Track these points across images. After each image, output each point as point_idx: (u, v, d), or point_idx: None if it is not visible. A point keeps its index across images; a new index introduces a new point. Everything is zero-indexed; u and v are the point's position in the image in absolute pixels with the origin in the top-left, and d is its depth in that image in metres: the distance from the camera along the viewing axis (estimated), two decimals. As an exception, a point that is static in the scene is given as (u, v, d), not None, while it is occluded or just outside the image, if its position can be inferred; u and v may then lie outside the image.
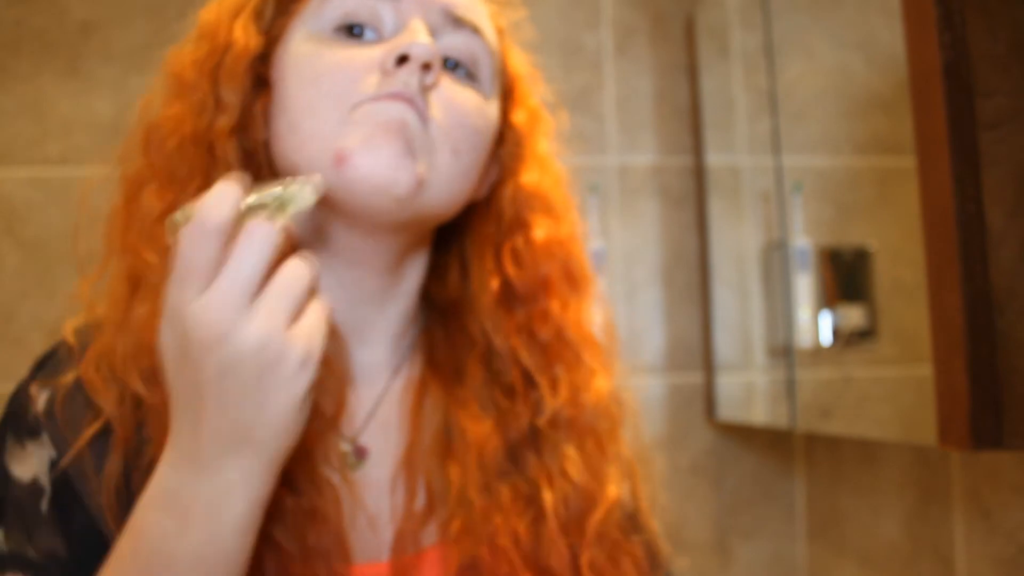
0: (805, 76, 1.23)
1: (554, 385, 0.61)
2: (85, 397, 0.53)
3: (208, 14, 0.60)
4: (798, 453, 1.52)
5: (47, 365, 0.58)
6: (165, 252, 0.51)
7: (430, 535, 0.58)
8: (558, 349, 0.62)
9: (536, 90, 0.68)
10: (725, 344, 1.49)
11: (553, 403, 0.60)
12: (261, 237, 0.43)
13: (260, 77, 0.58)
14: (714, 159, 1.52)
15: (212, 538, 0.44)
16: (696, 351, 1.56)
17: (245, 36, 0.56)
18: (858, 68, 1.09)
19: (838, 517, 1.38)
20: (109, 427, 0.52)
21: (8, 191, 1.57)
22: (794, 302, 1.21)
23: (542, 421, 0.60)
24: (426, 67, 0.53)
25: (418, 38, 0.53)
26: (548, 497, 0.58)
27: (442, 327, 0.65)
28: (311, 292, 0.45)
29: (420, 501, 0.58)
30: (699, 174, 1.57)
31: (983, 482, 1.01)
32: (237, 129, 0.56)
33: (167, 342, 0.44)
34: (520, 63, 0.67)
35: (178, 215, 0.45)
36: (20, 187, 1.57)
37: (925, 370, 0.79)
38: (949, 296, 0.74)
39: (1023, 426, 0.71)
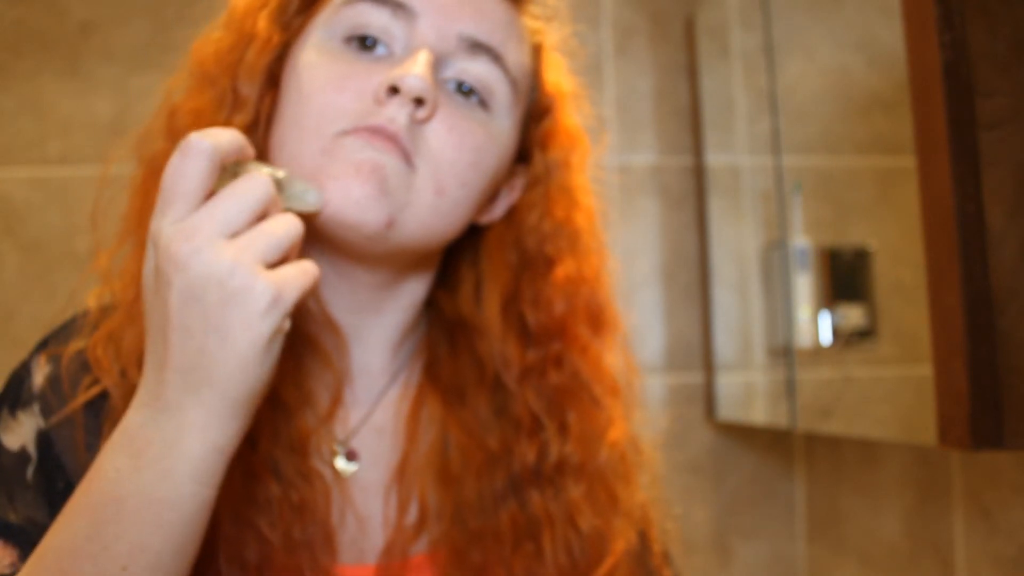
0: (805, 76, 1.23)
1: (563, 430, 0.59)
2: (85, 364, 0.54)
3: (239, 2, 0.59)
4: (798, 453, 1.52)
5: (59, 335, 0.58)
6: None
7: (420, 544, 0.57)
8: (572, 393, 0.60)
9: (577, 112, 0.65)
10: (725, 344, 1.49)
11: (560, 449, 0.58)
12: (255, 184, 0.43)
13: (275, 75, 0.57)
14: (714, 159, 1.52)
15: (164, 478, 0.42)
16: (696, 351, 1.56)
17: (268, 30, 0.55)
18: (858, 68, 1.09)
19: (838, 517, 1.38)
20: (103, 400, 0.52)
21: (8, 191, 1.57)
22: (794, 302, 1.21)
23: (547, 465, 0.58)
24: (419, 101, 0.52)
25: (414, 70, 0.51)
26: (548, 541, 0.57)
27: (448, 341, 0.63)
28: (296, 249, 0.45)
29: (412, 515, 0.57)
30: (699, 174, 1.57)
31: (983, 482, 1.01)
32: (251, 127, 0.55)
33: (147, 273, 0.44)
34: (562, 81, 0.64)
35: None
36: (20, 187, 1.57)
37: (925, 370, 0.79)
38: (949, 296, 0.74)
39: (1023, 426, 0.71)
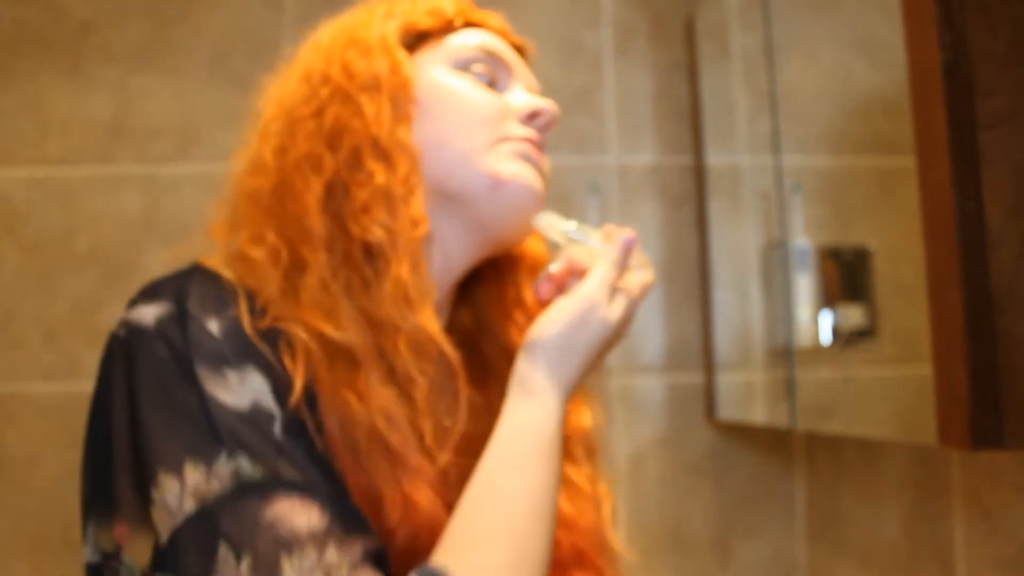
0: (805, 76, 1.23)
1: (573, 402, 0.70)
2: (275, 335, 0.56)
3: (362, 32, 0.67)
4: (798, 453, 1.52)
5: (192, 291, 0.56)
6: (320, 241, 0.59)
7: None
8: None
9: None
10: (725, 344, 1.49)
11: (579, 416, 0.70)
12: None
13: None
14: (714, 159, 1.52)
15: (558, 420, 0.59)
16: (696, 351, 1.56)
17: (405, 59, 0.65)
18: (858, 68, 1.09)
19: (838, 517, 1.38)
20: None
21: (8, 191, 1.57)
22: (794, 302, 1.21)
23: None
24: (548, 124, 0.68)
25: (546, 103, 0.67)
26: (564, 503, 0.67)
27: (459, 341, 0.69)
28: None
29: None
30: (699, 174, 1.57)
31: (983, 482, 1.01)
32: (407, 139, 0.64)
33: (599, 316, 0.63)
34: None
35: (554, 222, 0.66)
36: (20, 187, 1.57)
37: (925, 370, 0.79)
38: (949, 296, 0.74)
39: (1023, 426, 0.71)
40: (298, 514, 0.49)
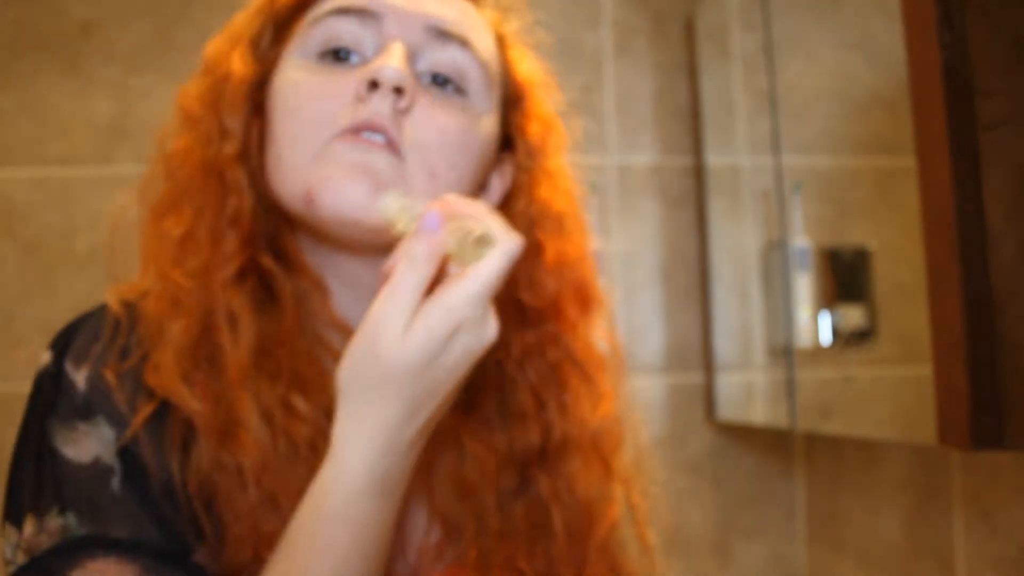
0: (805, 76, 1.23)
1: (562, 407, 0.62)
2: (138, 379, 0.53)
3: (211, 48, 0.62)
4: (798, 453, 1.52)
5: (76, 340, 0.56)
6: (194, 274, 0.55)
7: (446, 558, 0.59)
8: (567, 371, 0.63)
9: (550, 99, 0.67)
10: (725, 344, 1.49)
11: (562, 425, 0.61)
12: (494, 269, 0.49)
13: (258, 104, 0.59)
14: (714, 159, 1.52)
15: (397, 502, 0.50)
16: (696, 351, 1.56)
17: (242, 65, 0.58)
18: (858, 68, 1.09)
19: (838, 517, 1.38)
20: (162, 408, 0.53)
21: (8, 191, 1.57)
22: (794, 302, 1.21)
23: (551, 444, 0.61)
24: (398, 91, 0.54)
25: (390, 62, 0.53)
26: (557, 517, 0.60)
27: None
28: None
29: (435, 535, 0.60)
30: (699, 174, 1.57)
31: (983, 482, 1.01)
32: (242, 155, 0.57)
33: (436, 348, 0.47)
34: (531, 71, 0.66)
35: (392, 203, 0.50)
36: (20, 187, 1.57)
37: (925, 370, 0.79)
38: (949, 296, 0.74)
39: (1023, 426, 0.71)
40: (107, 573, 0.48)
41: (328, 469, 0.48)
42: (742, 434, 1.53)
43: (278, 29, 0.59)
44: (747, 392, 1.46)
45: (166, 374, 0.53)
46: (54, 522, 0.49)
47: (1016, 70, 0.73)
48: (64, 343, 0.56)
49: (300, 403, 0.54)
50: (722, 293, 1.49)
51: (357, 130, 0.54)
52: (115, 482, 0.50)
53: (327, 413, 0.51)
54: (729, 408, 1.48)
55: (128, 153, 1.57)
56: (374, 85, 0.54)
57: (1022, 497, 0.94)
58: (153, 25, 1.59)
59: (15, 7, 1.60)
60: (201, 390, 0.53)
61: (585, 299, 0.64)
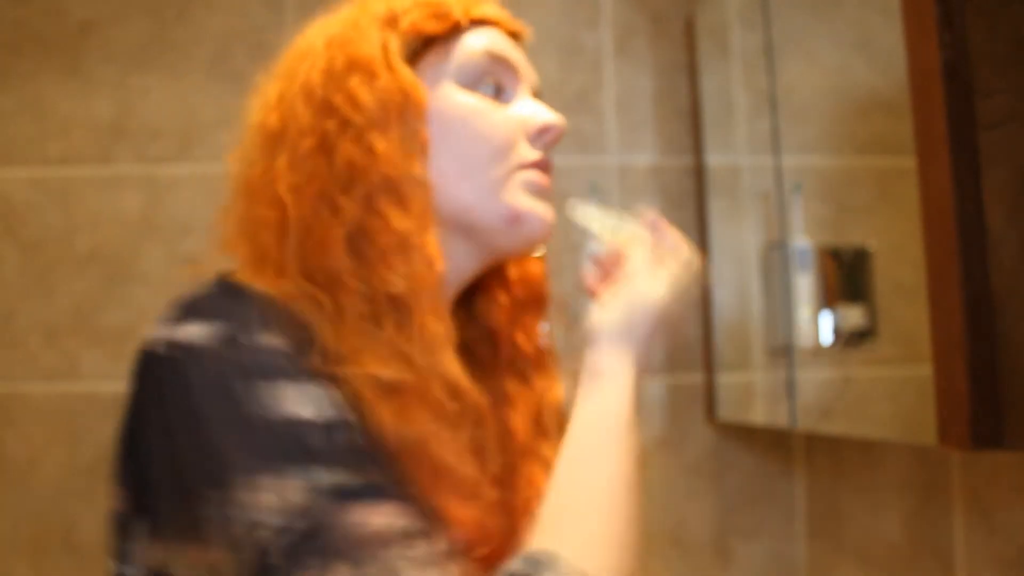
0: (805, 76, 1.23)
1: (539, 359, 0.73)
2: (304, 343, 0.56)
3: (365, 48, 0.63)
4: (798, 453, 1.52)
5: (238, 313, 0.56)
6: (350, 288, 0.60)
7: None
8: (543, 351, 0.74)
9: None
10: (725, 344, 1.49)
11: (537, 370, 0.72)
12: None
13: None
14: (714, 159, 1.52)
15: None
16: (696, 351, 1.56)
17: (416, 83, 0.63)
18: (858, 68, 1.09)
19: (838, 517, 1.38)
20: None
21: (8, 191, 1.57)
22: (794, 302, 1.21)
23: (548, 403, 0.71)
24: (556, 140, 0.68)
25: (552, 114, 0.67)
26: (519, 413, 0.70)
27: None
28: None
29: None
30: (699, 174, 1.57)
31: (983, 482, 1.01)
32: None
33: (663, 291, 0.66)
34: None
35: (592, 211, 0.70)
36: (20, 187, 1.57)
37: (925, 370, 0.79)
38: (949, 296, 0.74)
39: (1023, 426, 0.71)
40: (386, 515, 0.50)
41: (604, 396, 0.63)
42: (742, 434, 1.53)
43: (414, 51, 0.64)
44: (747, 392, 1.46)
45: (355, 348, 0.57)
46: (300, 478, 0.50)
47: (1016, 70, 0.73)
48: (227, 312, 0.56)
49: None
50: (722, 293, 1.49)
51: (541, 166, 0.66)
52: (343, 434, 0.53)
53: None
54: (729, 408, 1.48)
55: (128, 153, 1.57)
56: (544, 131, 0.66)
57: (1022, 497, 0.94)
58: (153, 25, 1.59)
59: (15, 7, 1.60)
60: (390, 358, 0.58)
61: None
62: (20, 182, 1.57)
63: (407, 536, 0.50)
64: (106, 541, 0.57)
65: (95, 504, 1.49)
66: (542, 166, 0.66)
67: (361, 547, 0.48)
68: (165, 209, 1.55)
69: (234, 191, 0.65)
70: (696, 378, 1.55)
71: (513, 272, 0.74)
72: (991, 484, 0.99)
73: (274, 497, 0.49)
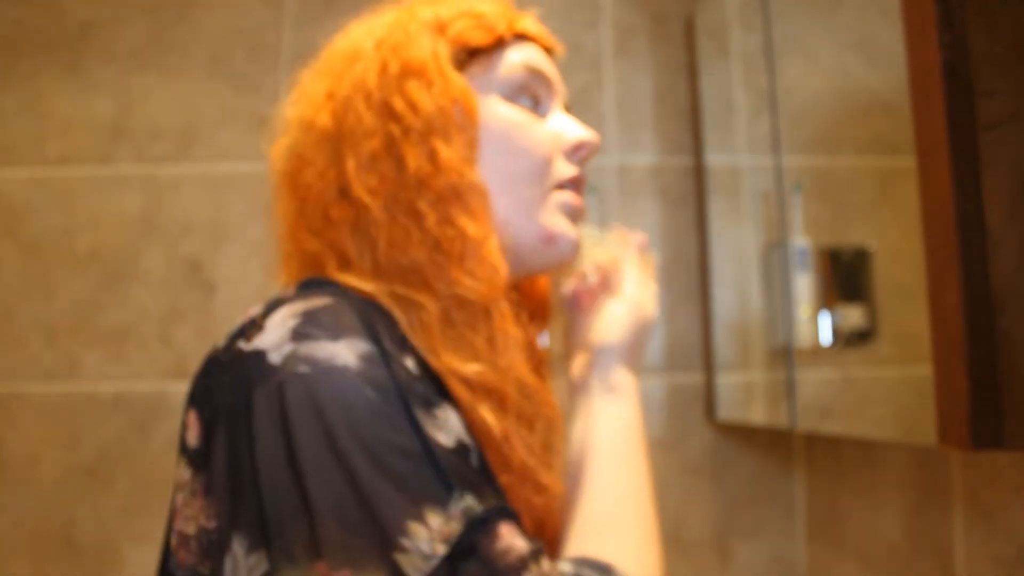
0: (805, 76, 1.23)
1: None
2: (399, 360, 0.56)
3: (417, 53, 0.63)
4: (798, 453, 1.52)
5: (378, 330, 0.55)
6: (432, 291, 0.61)
7: None
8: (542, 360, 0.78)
9: None
10: (725, 344, 1.49)
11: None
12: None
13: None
14: (714, 159, 1.52)
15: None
16: (696, 351, 1.56)
17: (469, 91, 0.63)
18: (858, 68, 1.09)
19: (838, 517, 1.38)
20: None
21: (8, 191, 1.57)
22: (794, 302, 1.21)
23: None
24: (590, 156, 0.70)
25: (587, 131, 0.69)
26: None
27: None
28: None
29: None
30: (699, 174, 1.57)
31: (983, 482, 1.01)
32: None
33: (632, 320, 0.71)
34: None
35: (591, 231, 0.73)
36: (20, 187, 1.57)
37: (925, 370, 0.79)
38: (949, 296, 0.74)
39: (1023, 426, 0.71)
40: (516, 536, 0.52)
41: (621, 410, 0.66)
42: (742, 434, 1.53)
43: (460, 61, 0.65)
44: (747, 392, 1.46)
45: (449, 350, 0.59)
46: (457, 507, 0.51)
47: (1016, 70, 0.74)
48: (368, 328, 0.54)
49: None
50: (722, 293, 1.49)
51: (576, 184, 0.69)
52: (474, 459, 0.54)
53: None
54: (729, 408, 1.48)
55: (128, 153, 1.57)
56: (579, 148, 0.69)
57: (1022, 497, 0.94)
58: (153, 25, 1.59)
59: (15, 7, 1.60)
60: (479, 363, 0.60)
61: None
62: (20, 182, 1.57)
63: (534, 555, 0.52)
64: (168, 556, 0.55)
65: (95, 504, 1.49)
66: (577, 184, 0.69)
67: (512, 571, 0.50)
68: (165, 209, 1.55)
69: (283, 187, 0.65)
70: (696, 378, 1.55)
71: (523, 284, 0.74)
72: (991, 484, 0.99)
73: (432, 527, 0.50)
